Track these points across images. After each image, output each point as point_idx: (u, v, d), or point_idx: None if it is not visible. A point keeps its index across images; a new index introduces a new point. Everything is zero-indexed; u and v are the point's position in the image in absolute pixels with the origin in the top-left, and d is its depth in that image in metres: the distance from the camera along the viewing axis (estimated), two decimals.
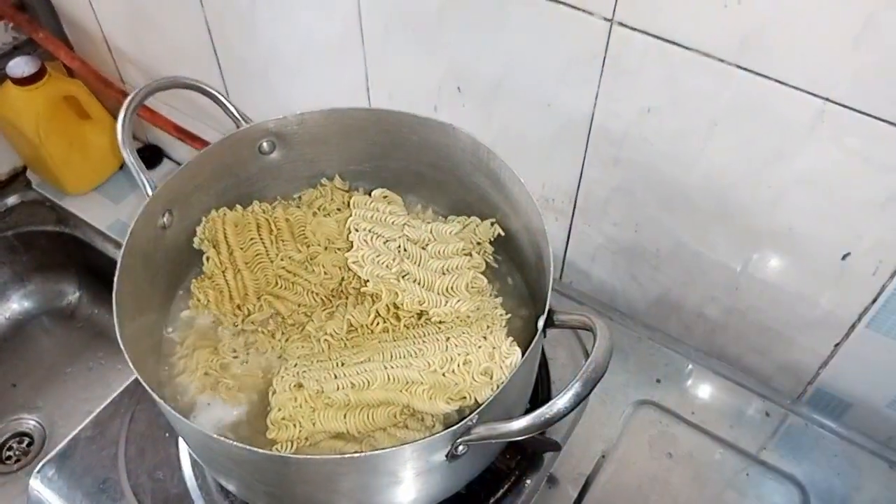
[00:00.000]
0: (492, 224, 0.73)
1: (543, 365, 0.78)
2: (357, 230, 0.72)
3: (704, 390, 0.78)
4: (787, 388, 0.80)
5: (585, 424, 0.75)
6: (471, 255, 0.71)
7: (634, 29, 0.63)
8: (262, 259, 0.72)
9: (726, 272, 0.75)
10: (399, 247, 0.71)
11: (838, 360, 0.75)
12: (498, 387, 0.57)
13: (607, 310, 0.85)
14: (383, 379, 0.61)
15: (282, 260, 0.72)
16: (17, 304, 1.32)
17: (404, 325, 0.67)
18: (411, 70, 0.83)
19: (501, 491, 0.69)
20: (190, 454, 0.73)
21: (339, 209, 0.77)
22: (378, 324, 0.67)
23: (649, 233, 0.78)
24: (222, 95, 0.72)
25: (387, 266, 0.69)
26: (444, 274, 0.68)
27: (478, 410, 0.52)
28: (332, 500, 0.59)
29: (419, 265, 0.69)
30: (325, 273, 0.71)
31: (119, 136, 0.67)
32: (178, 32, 1.04)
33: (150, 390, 0.53)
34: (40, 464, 0.74)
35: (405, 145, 0.74)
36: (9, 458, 1.19)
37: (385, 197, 0.76)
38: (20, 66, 1.11)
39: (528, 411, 0.50)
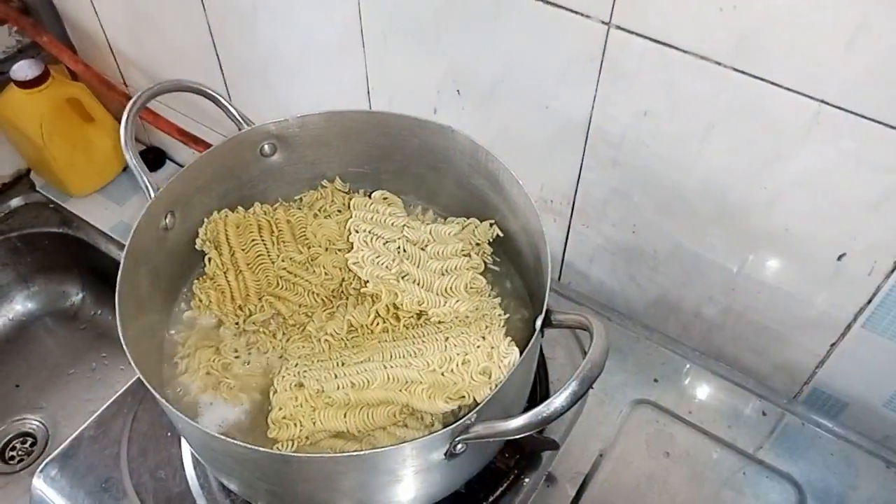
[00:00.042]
0: (491, 225, 0.74)
1: (542, 365, 0.78)
2: (357, 231, 0.72)
3: (702, 390, 0.78)
4: (783, 388, 0.81)
5: (584, 423, 0.75)
6: (469, 255, 0.71)
7: (631, 32, 0.64)
8: (263, 260, 0.73)
9: (723, 273, 0.76)
10: (399, 248, 0.71)
11: (834, 359, 0.75)
12: (496, 386, 0.58)
13: (606, 310, 0.85)
14: (383, 378, 0.61)
15: (283, 261, 0.73)
16: (20, 306, 1.32)
17: (404, 326, 0.67)
18: (411, 72, 0.83)
19: (500, 490, 0.70)
20: (192, 453, 0.74)
21: (339, 211, 0.78)
22: (378, 324, 0.68)
23: (647, 234, 0.79)
24: (224, 98, 0.73)
25: (386, 267, 0.69)
26: (443, 274, 0.69)
27: (476, 409, 0.53)
28: (333, 499, 0.59)
29: (418, 266, 0.70)
30: (326, 274, 0.72)
31: (122, 139, 0.68)
32: (180, 36, 1.05)
33: (152, 390, 0.54)
34: (43, 463, 0.75)
35: (405, 147, 0.74)
36: (12, 458, 1.20)
37: (385, 198, 0.77)
38: (24, 69, 1.12)
39: (526, 410, 0.51)
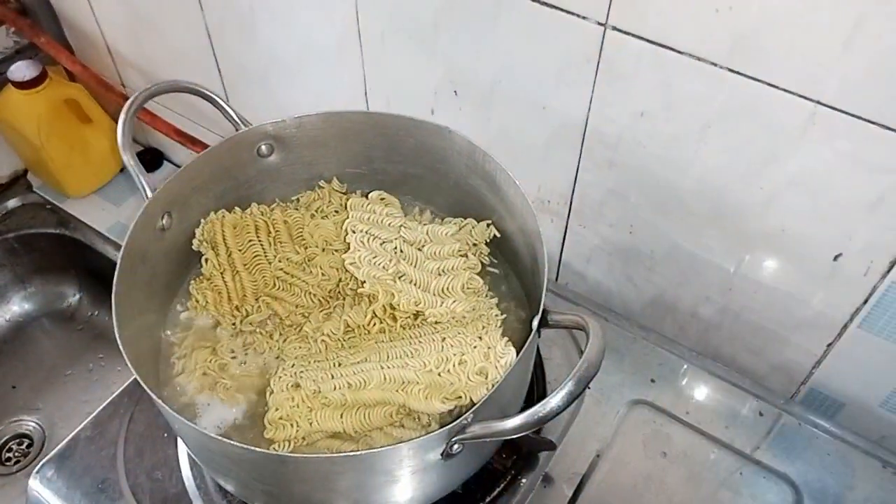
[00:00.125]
0: (488, 226, 0.74)
1: (539, 365, 0.78)
2: (354, 232, 0.72)
3: (699, 390, 0.78)
4: (780, 388, 0.81)
5: (580, 424, 0.75)
6: (466, 256, 0.72)
7: (628, 33, 0.64)
8: (260, 261, 0.73)
9: (720, 273, 0.76)
10: (396, 248, 0.71)
11: (831, 359, 0.75)
12: (493, 386, 0.58)
13: (603, 310, 0.85)
14: (380, 379, 0.61)
15: (280, 261, 0.73)
16: (17, 306, 1.32)
17: (401, 326, 0.67)
18: (408, 73, 0.83)
19: (497, 490, 0.70)
20: (188, 454, 0.74)
21: (336, 211, 0.78)
22: (375, 324, 0.68)
23: (644, 234, 0.79)
24: (221, 99, 0.73)
25: (383, 267, 0.69)
26: (440, 275, 0.69)
27: (473, 409, 0.53)
28: (330, 499, 0.59)
29: (415, 266, 0.70)
30: (323, 274, 0.72)
31: (119, 140, 0.68)
32: (178, 36, 1.05)
33: (148, 390, 0.54)
34: (39, 464, 0.74)
35: (402, 148, 0.75)
36: (8, 459, 1.20)
37: (382, 199, 0.77)
38: (22, 70, 1.12)
39: (522, 410, 0.51)
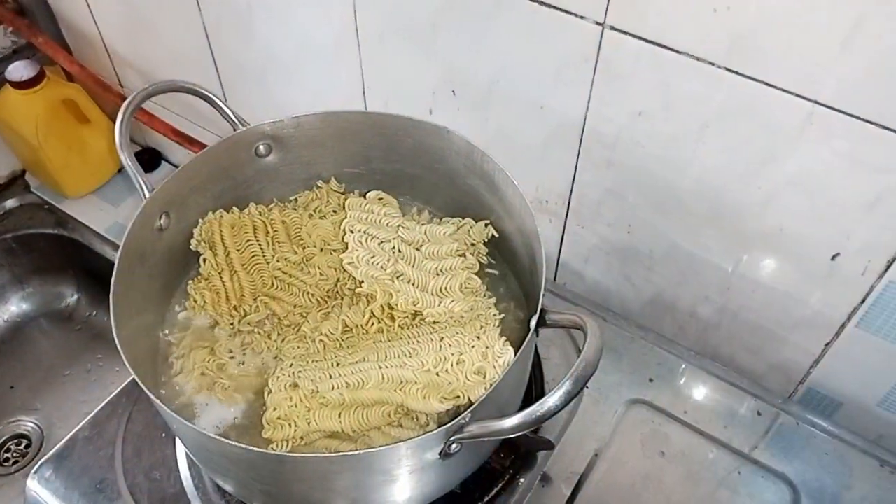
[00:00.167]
0: (486, 226, 0.74)
1: (537, 365, 0.78)
2: (352, 232, 0.72)
3: (697, 390, 0.78)
4: (778, 388, 0.81)
5: (579, 423, 0.75)
6: (464, 255, 0.72)
7: (626, 33, 0.64)
8: (258, 260, 0.73)
9: (718, 273, 0.76)
10: (394, 248, 0.71)
11: (829, 359, 0.75)
12: (491, 386, 0.58)
13: (601, 310, 0.85)
14: (378, 378, 0.61)
15: (278, 261, 0.73)
16: (15, 307, 1.32)
17: (399, 326, 0.67)
18: (407, 73, 0.83)
19: (495, 490, 0.70)
20: (186, 454, 0.74)
21: (334, 211, 0.78)
22: (373, 324, 0.68)
23: (642, 234, 0.79)
24: (219, 99, 0.73)
25: (381, 267, 0.69)
26: (438, 275, 0.69)
27: (471, 409, 0.53)
28: (328, 499, 0.59)
29: (413, 266, 0.70)
30: (321, 274, 0.72)
31: (117, 140, 0.68)
32: (176, 36, 1.04)
33: (146, 389, 0.54)
34: (38, 464, 0.74)
35: (400, 148, 0.75)
36: (6, 460, 1.19)
37: (380, 199, 0.77)
38: (19, 70, 1.12)
39: (520, 410, 0.51)
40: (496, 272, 0.75)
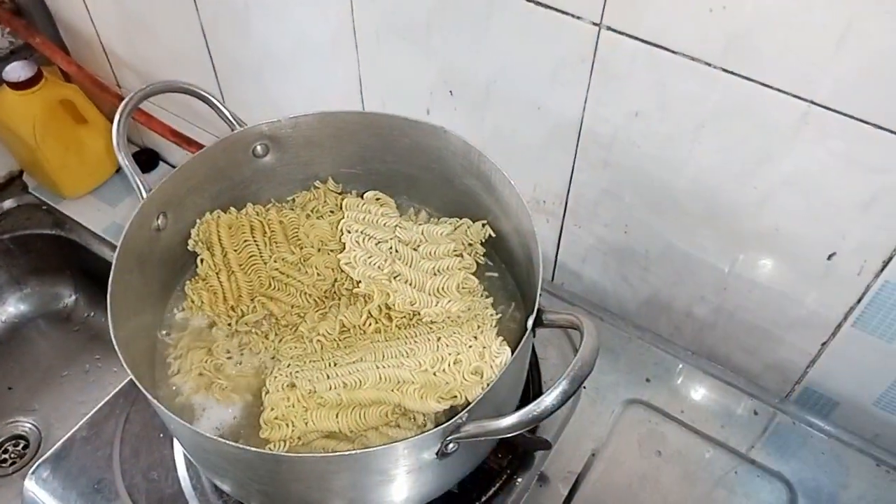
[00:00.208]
0: (483, 226, 0.74)
1: (535, 365, 0.78)
2: (349, 232, 0.72)
3: (694, 389, 0.79)
4: (775, 387, 0.81)
5: (576, 423, 0.75)
6: (462, 255, 0.72)
7: (622, 33, 0.64)
8: (255, 261, 0.73)
9: (715, 273, 0.76)
10: (391, 248, 0.72)
11: (825, 358, 0.75)
12: (488, 385, 0.58)
13: (598, 310, 0.85)
14: (375, 378, 0.61)
15: (275, 262, 0.73)
16: (13, 308, 1.32)
17: (396, 326, 0.67)
18: (404, 73, 0.84)
19: (493, 489, 0.70)
20: (184, 454, 0.74)
21: (332, 211, 0.78)
22: (370, 324, 0.68)
23: (639, 234, 0.79)
24: (216, 99, 0.73)
25: (379, 267, 0.70)
26: (435, 275, 0.69)
27: (468, 409, 0.53)
28: (326, 499, 0.59)
29: (411, 266, 0.70)
30: (318, 274, 0.72)
31: (114, 140, 0.68)
32: (173, 36, 1.05)
33: (143, 389, 0.54)
34: (35, 465, 0.74)
35: (397, 148, 0.75)
36: (4, 461, 1.19)
37: (377, 199, 0.77)
38: (17, 70, 1.12)
39: (517, 410, 0.51)
40: (494, 273, 0.75)
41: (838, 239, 0.66)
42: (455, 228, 0.75)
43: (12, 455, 1.20)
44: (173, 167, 1.32)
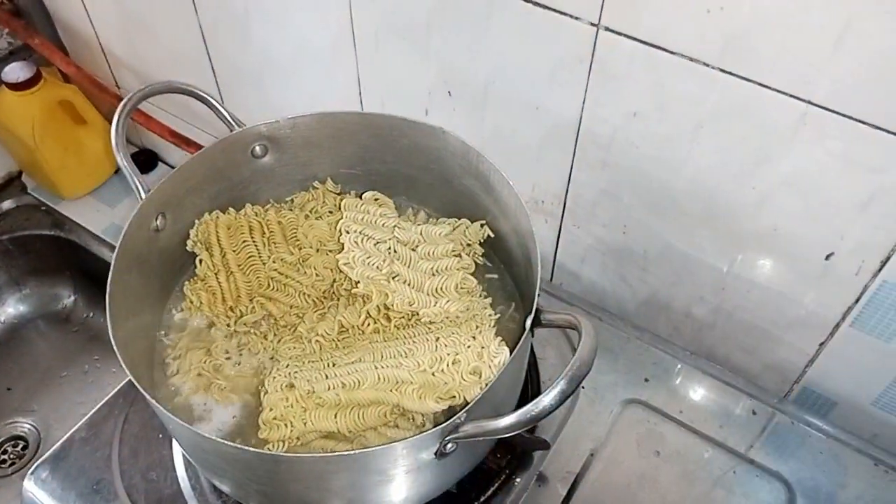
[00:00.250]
0: (482, 226, 0.74)
1: (533, 365, 0.78)
2: (348, 232, 0.72)
3: (692, 389, 0.79)
4: (773, 387, 0.81)
5: (574, 423, 0.75)
6: (460, 256, 0.72)
7: (620, 34, 0.64)
8: (254, 261, 0.73)
9: (713, 273, 0.76)
10: (389, 248, 0.72)
11: (823, 358, 0.76)
12: (486, 385, 0.58)
13: (597, 310, 0.86)
14: (374, 379, 0.62)
15: (274, 262, 0.73)
16: (12, 308, 1.32)
17: (395, 326, 0.67)
18: (403, 74, 0.84)
19: (492, 489, 0.70)
20: (183, 455, 0.74)
21: (330, 212, 0.78)
22: (369, 324, 0.68)
23: (637, 234, 0.79)
24: (215, 100, 0.73)
25: (377, 267, 0.70)
26: (433, 275, 0.69)
27: (466, 408, 0.53)
28: (324, 499, 0.60)
29: (409, 266, 0.70)
30: (317, 275, 0.72)
31: (113, 140, 0.68)
32: (172, 37, 1.05)
33: (141, 390, 0.54)
34: (34, 465, 0.74)
35: (396, 148, 0.75)
36: (3, 461, 1.19)
37: (376, 199, 0.77)
38: (16, 71, 1.12)
39: (516, 409, 0.51)
40: (492, 273, 0.75)
41: (836, 239, 0.66)
42: (454, 229, 0.75)
43: (11, 456, 1.20)
44: (172, 168, 1.32)
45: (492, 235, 0.74)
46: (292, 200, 0.80)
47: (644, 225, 0.78)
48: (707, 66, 0.62)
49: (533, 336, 0.60)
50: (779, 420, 0.76)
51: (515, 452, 0.72)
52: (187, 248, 0.74)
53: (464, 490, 0.69)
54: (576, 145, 0.76)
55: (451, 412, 0.60)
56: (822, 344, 0.75)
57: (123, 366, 0.55)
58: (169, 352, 0.70)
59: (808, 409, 0.78)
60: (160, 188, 0.68)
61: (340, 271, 0.71)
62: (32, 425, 1.22)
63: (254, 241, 0.74)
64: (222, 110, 0.73)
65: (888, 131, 0.57)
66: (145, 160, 1.33)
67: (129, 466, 0.74)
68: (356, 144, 0.76)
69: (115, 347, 0.56)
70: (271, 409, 0.62)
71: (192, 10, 0.96)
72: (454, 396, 0.60)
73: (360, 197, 0.78)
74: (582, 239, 0.85)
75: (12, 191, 1.31)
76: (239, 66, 1.00)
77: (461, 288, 0.69)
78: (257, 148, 0.75)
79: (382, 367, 0.62)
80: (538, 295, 0.59)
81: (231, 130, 0.73)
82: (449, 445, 0.54)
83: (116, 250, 0.62)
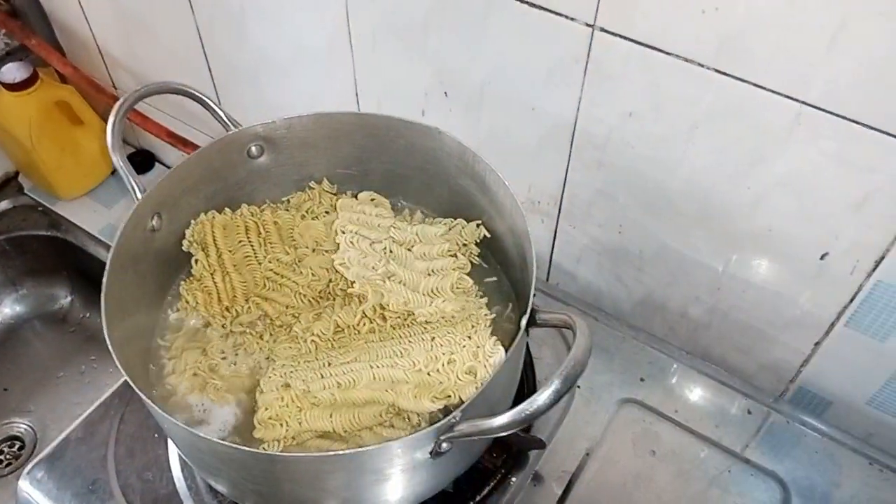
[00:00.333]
0: (478, 226, 0.74)
1: (529, 364, 0.79)
2: (344, 232, 0.73)
3: (688, 389, 0.79)
4: (769, 387, 0.81)
5: (570, 423, 0.76)
6: (456, 256, 0.72)
7: (615, 34, 0.64)
8: (250, 261, 0.73)
9: (709, 273, 0.77)
10: (385, 248, 0.72)
11: (819, 358, 0.76)
12: (481, 385, 0.58)
13: (593, 310, 0.86)
14: (369, 378, 0.62)
15: (270, 262, 0.73)
16: (9, 309, 1.32)
17: (390, 326, 0.67)
18: (399, 74, 0.84)
19: (487, 489, 0.70)
20: (179, 455, 0.74)
21: (326, 212, 0.78)
22: (364, 324, 0.68)
23: (633, 234, 0.80)
24: (211, 100, 0.73)
25: (373, 267, 0.70)
26: (429, 275, 0.69)
27: (461, 408, 0.53)
28: (320, 499, 0.60)
29: (405, 266, 0.70)
30: (313, 275, 0.72)
31: (109, 141, 0.68)
32: (169, 38, 1.05)
33: (137, 390, 0.54)
34: (30, 465, 0.74)
35: (392, 149, 0.75)
36: (0, 462, 1.19)
37: (372, 200, 0.77)
38: (12, 71, 1.12)
39: (511, 409, 0.51)
40: (488, 272, 0.75)
41: (831, 239, 0.66)
42: (449, 229, 0.75)
43: (8, 456, 1.20)
44: (169, 168, 1.32)
45: (488, 235, 0.74)
46: (288, 201, 0.80)
47: (640, 225, 0.78)
48: (702, 66, 0.62)
49: (528, 336, 0.60)
50: (774, 419, 0.76)
51: (511, 452, 0.72)
52: (183, 248, 0.74)
53: (459, 489, 0.69)
54: (571, 145, 0.76)
55: (446, 412, 0.60)
56: (817, 343, 0.75)
57: (119, 366, 0.55)
58: (164, 352, 0.70)
59: (804, 409, 0.78)
60: (156, 188, 0.68)
61: (336, 271, 0.71)
62: (29, 425, 1.22)
63: (250, 242, 0.74)
64: (218, 111, 0.73)
65: (882, 131, 0.57)
66: (142, 161, 1.33)
67: (124, 466, 0.74)
68: (352, 145, 0.76)
69: (110, 348, 0.56)
70: (267, 409, 0.62)
71: (189, 10, 0.96)
72: (450, 396, 0.60)
73: (356, 197, 0.78)
74: (578, 239, 0.85)
75: (9, 191, 1.31)
76: (235, 65, 1.00)
77: (457, 288, 0.69)
78: (253, 148, 0.75)
79: (378, 367, 0.62)
80: (533, 295, 0.59)
81: (227, 131, 0.73)
82: (444, 445, 0.54)
83: (112, 250, 0.62)
